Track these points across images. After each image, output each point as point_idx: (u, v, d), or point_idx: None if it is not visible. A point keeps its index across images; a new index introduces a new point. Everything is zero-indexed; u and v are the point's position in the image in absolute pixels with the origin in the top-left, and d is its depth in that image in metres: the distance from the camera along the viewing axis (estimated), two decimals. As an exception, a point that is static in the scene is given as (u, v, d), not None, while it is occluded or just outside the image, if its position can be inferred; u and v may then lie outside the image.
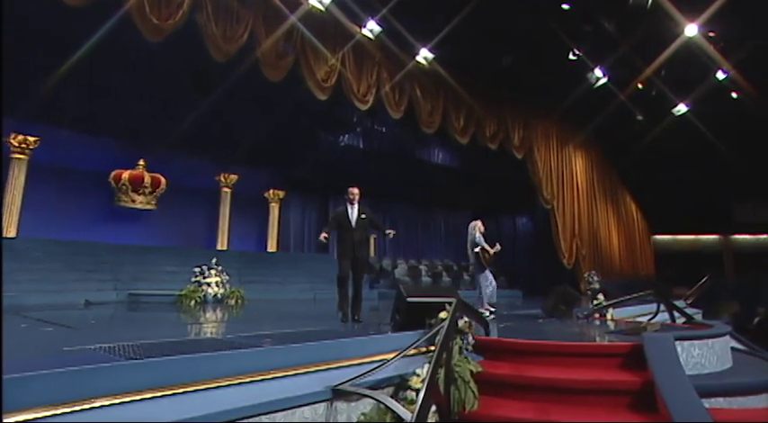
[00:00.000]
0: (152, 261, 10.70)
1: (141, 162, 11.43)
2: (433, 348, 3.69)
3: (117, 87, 10.71)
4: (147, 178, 11.29)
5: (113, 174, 11.11)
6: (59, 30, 8.87)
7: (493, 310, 7.33)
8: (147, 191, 11.33)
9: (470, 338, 4.30)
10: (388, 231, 5.97)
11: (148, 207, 11.52)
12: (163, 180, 11.56)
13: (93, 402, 2.36)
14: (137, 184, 11.21)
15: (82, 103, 10.40)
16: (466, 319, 4.33)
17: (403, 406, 3.04)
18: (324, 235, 5.61)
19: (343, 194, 5.73)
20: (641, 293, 6.99)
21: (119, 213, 11.41)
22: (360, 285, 5.78)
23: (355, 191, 5.68)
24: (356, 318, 5.54)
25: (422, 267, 15.80)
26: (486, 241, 7.52)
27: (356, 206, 5.67)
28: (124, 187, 11.12)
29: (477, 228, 7.61)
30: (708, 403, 3.34)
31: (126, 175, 11.13)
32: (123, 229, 11.42)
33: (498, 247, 7.58)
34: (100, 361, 2.78)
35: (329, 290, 11.57)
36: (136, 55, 10.04)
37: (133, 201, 11.27)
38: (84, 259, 9.74)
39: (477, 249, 7.46)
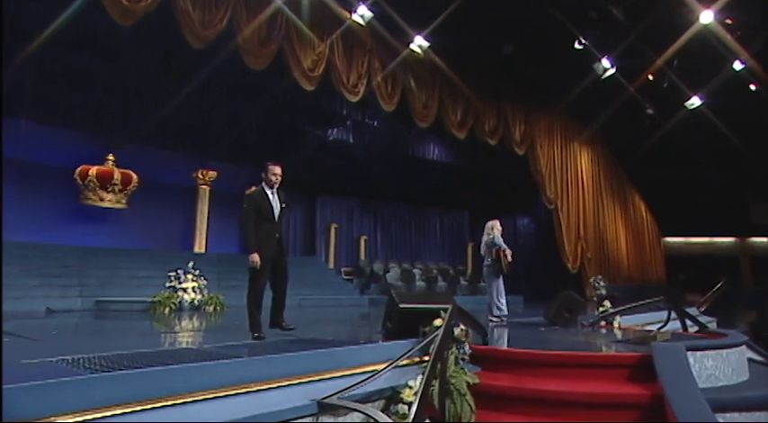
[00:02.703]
0: (122, 265, 10.61)
1: (110, 156, 11.34)
2: (426, 358, 3.69)
3: (84, 74, 10.59)
4: (117, 174, 11.19)
5: (79, 169, 11.00)
6: (16, 8, 8.75)
7: (495, 320, 7.38)
8: (116, 188, 11.23)
9: (467, 348, 4.31)
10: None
11: (118, 206, 11.42)
12: (134, 176, 11.46)
13: (53, 420, 2.33)
14: (105, 181, 11.10)
15: (43, 90, 10.28)
16: (462, 326, 4.33)
17: (394, 420, 3.04)
18: (257, 261, 4.62)
19: (264, 173, 4.84)
20: (651, 300, 7.03)
21: (85, 212, 11.30)
22: (285, 295, 4.99)
23: (278, 170, 4.80)
24: (285, 324, 4.95)
25: (415, 271, 15.82)
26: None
27: (276, 192, 4.84)
28: (91, 184, 11.02)
29: (495, 228, 7.64)
30: (722, 418, 3.37)
31: (93, 170, 11.02)
32: (90, 230, 11.32)
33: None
34: (62, 374, 2.74)
35: (315, 295, 11.60)
36: (105, 39, 9.94)
37: (101, 199, 11.17)
38: (46, 263, 9.63)
39: (493, 251, 7.50)
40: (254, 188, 4.90)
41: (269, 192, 4.78)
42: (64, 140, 10.98)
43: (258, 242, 4.69)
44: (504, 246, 7.49)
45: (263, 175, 4.84)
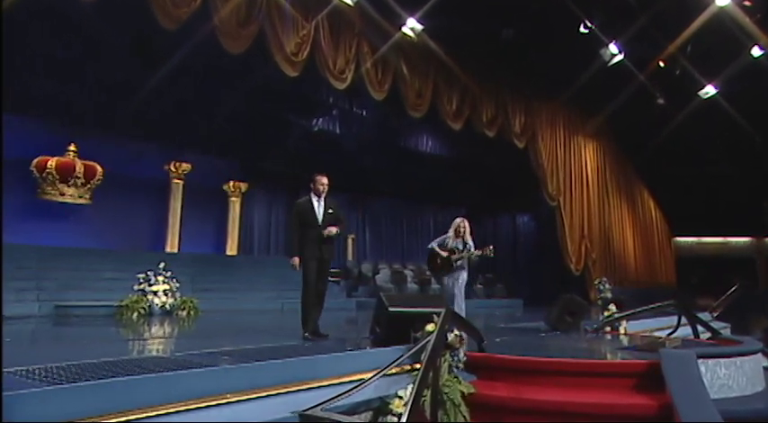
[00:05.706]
0: (85, 266, 10.50)
1: (72, 147, 11.21)
2: (418, 366, 3.69)
3: (41, 56, 10.43)
4: (80, 166, 11.07)
5: (36, 161, 10.86)
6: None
7: None
8: (79, 182, 11.12)
9: (461, 355, 4.33)
10: (334, 229, 5.60)
11: (81, 201, 11.31)
12: (99, 169, 11.36)
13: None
14: (66, 174, 10.98)
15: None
16: (456, 332, 4.35)
17: (382, 434, 3.04)
18: (296, 263, 5.49)
19: (313, 184, 5.69)
20: (660, 304, 7.10)
21: (43, 209, 11.16)
22: (325, 293, 5.72)
23: (325, 181, 5.67)
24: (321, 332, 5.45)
25: (407, 272, 15.82)
26: (455, 242, 7.37)
27: (323, 199, 5.67)
28: (50, 177, 10.89)
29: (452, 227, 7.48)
30: (735, 430, 3.40)
31: (52, 162, 10.89)
32: (49, 228, 11.18)
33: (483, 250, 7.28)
34: (14, 387, 2.69)
35: (299, 298, 11.53)
36: (64, 17, 9.80)
37: (62, 193, 11.05)
38: (-1, 264, 9.50)
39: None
40: (304, 199, 5.73)
41: (315, 200, 5.63)
42: (18, 128, 10.76)
43: (300, 246, 5.51)
44: (433, 244, 7.38)
45: (311, 185, 5.71)
